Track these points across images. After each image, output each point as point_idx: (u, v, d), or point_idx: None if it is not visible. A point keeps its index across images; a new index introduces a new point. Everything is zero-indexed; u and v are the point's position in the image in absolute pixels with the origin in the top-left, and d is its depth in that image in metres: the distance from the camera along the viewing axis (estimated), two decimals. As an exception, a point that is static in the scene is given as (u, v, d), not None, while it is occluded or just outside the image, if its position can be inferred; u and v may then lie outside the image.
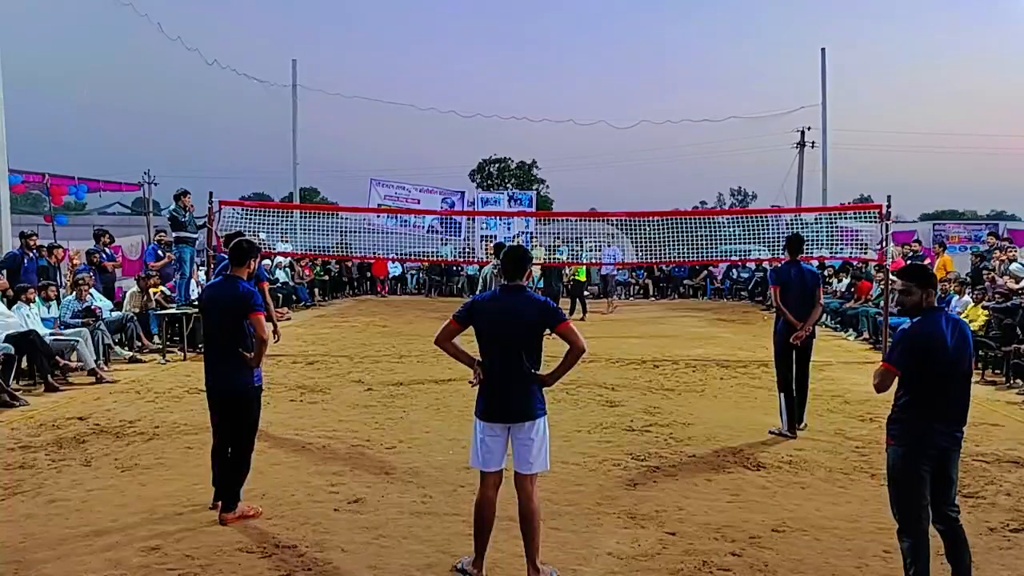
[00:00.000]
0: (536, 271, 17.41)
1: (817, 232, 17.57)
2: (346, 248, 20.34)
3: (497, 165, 55.00)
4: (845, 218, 16.79)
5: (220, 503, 4.86)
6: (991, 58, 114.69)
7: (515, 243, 18.57)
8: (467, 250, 23.31)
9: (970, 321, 10.63)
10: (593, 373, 10.06)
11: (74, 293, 10.83)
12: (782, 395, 7.05)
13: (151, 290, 12.43)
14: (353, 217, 21.56)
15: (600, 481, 5.67)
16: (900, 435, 3.74)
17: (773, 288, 7.25)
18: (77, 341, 9.57)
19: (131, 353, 11.12)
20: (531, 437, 3.97)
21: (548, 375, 4.03)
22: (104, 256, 12.87)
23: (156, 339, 11.79)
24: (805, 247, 8.01)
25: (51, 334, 9.65)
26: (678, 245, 16.04)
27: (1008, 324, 9.84)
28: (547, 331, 3.99)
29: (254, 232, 13.25)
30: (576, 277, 17.34)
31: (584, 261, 18.84)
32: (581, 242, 21.37)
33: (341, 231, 20.74)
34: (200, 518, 4.86)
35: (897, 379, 3.74)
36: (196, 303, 10.94)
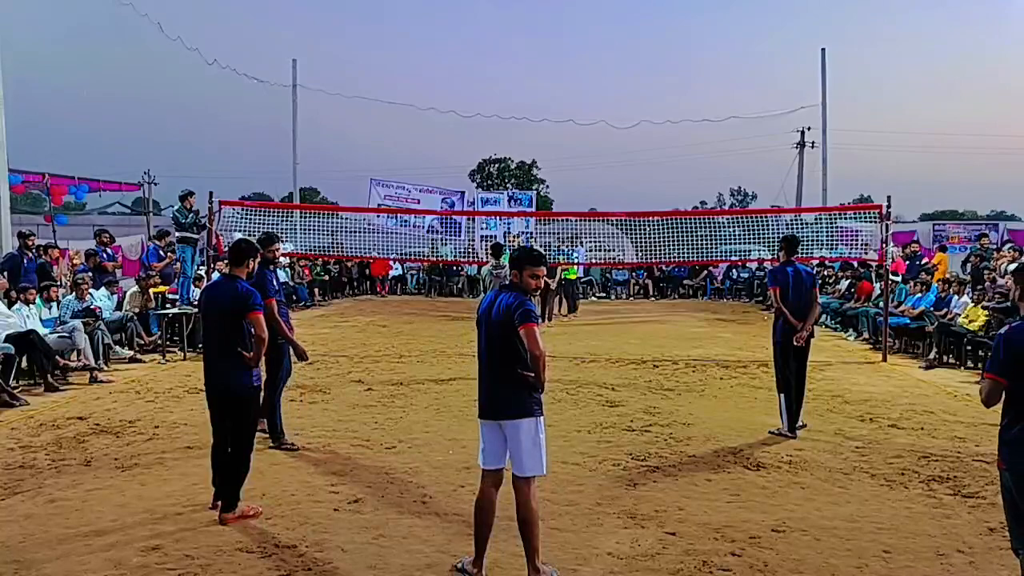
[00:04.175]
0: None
1: (817, 232, 17.59)
2: (346, 248, 20.36)
3: (497, 165, 55.00)
4: (845, 218, 16.80)
5: (220, 503, 4.86)
6: (991, 57, 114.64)
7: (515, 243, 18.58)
8: (467, 250, 23.31)
9: (970, 321, 10.64)
10: (593, 373, 10.06)
11: (74, 293, 10.83)
12: (782, 395, 7.05)
13: (152, 290, 12.42)
14: (353, 217, 21.57)
15: (600, 481, 5.66)
16: (1008, 458, 3.45)
17: (772, 289, 7.27)
18: (75, 330, 9.56)
19: (131, 353, 11.12)
20: (518, 437, 3.96)
21: (532, 378, 3.95)
22: (104, 256, 12.88)
23: (157, 339, 11.77)
24: (803, 247, 8.07)
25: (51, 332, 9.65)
26: (678, 245, 16.05)
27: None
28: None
29: (252, 233, 13.25)
30: (566, 276, 17.26)
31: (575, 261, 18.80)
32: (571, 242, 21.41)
33: (341, 231, 20.77)
34: (200, 518, 4.86)
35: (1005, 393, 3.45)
36: (196, 303, 10.96)
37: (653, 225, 16.73)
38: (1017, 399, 3.41)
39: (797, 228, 16.77)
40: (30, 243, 11.68)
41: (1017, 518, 3.49)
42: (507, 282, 4.16)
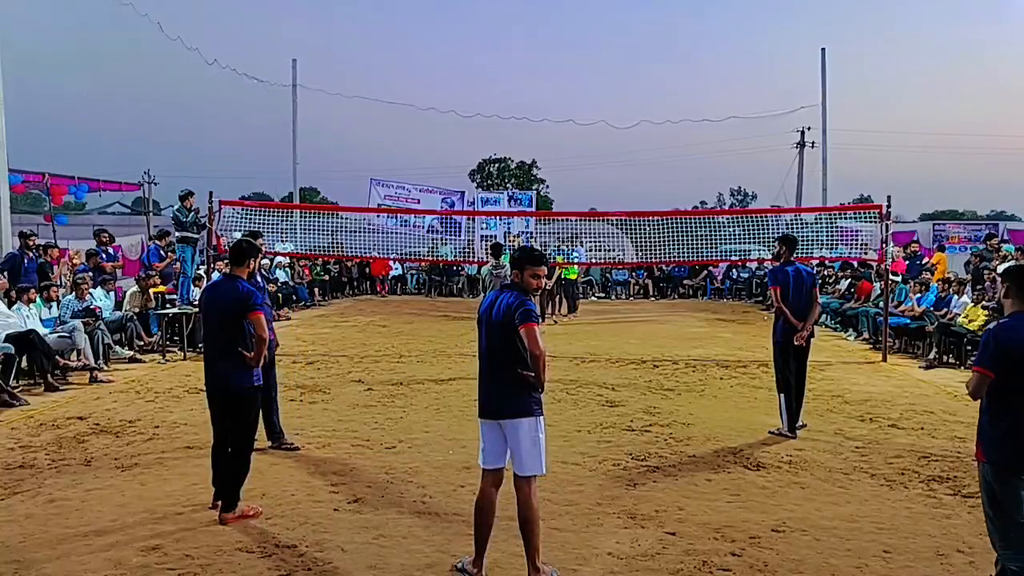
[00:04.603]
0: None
1: (817, 232, 17.60)
2: (346, 248, 20.35)
3: (497, 165, 54.91)
4: (845, 218, 16.81)
5: (220, 503, 4.86)
6: (991, 57, 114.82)
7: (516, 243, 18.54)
8: (467, 250, 23.31)
9: (969, 321, 10.64)
10: (593, 373, 10.06)
11: (74, 293, 10.83)
12: (782, 395, 7.05)
13: (152, 290, 12.42)
14: (353, 217, 21.59)
15: (600, 481, 5.67)
16: (988, 451, 3.59)
17: (772, 289, 7.27)
18: (75, 330, 9.56)
19: (131, 353, 11.12)
20: (518, 436, 3.96)
21: (532, 378, 3.95)
22: (105, 256, 12.87)
23: (156, 337, 11.77)
24: (804, 247, 8.07)
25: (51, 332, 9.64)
26: (678, 245, 16.05)
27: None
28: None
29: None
30: (566, 275, 17.20)
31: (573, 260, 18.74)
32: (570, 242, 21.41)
33: (341, 231, 20.77)
34: (200, 518, 4.86)
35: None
36: (196, 303, 10.96)
37: (653, 225, 16.73)
38: (1001, 394, 3.57)
39: (797, 228, 16.77)
40: (31, 243, 11.69)
41: (996, 509, 3.58)
42: (508, 281, 4.17)
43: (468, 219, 23.54)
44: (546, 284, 15.08)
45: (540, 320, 4.13)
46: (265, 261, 16.50)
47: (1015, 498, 3.52)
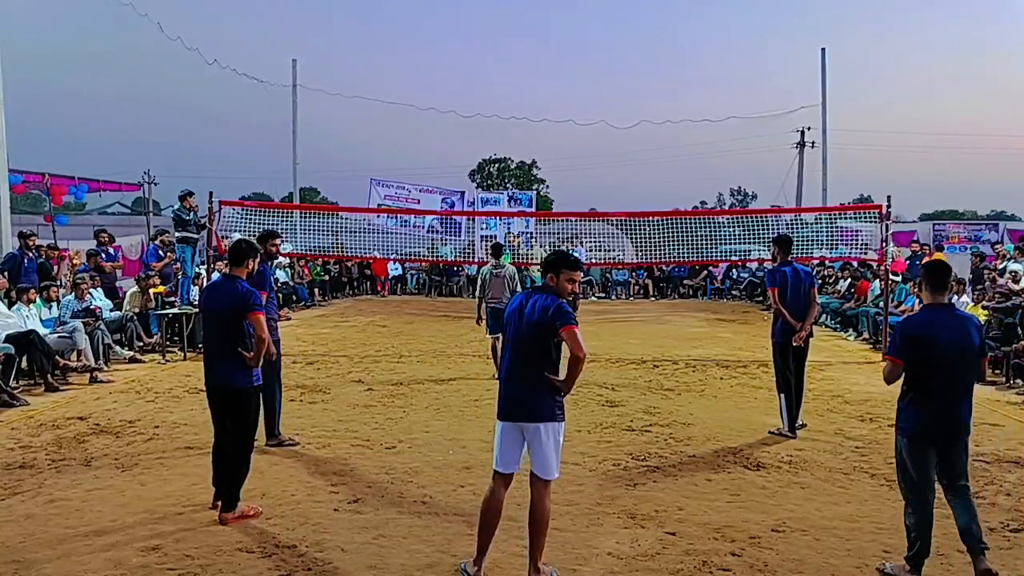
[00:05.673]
0: (535, 271, 17.36)
1: (817, 232, 17.61)
2: (346, 248, 20.36)
3: (497, 165, 54.85)
4: (845, 218, 16.82)
5: (220, 503, 4.86)
6: (991, 57, 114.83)
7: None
8: (467, 250, 23.30)
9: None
10: (593, 373, 10.05)
11: (74, 293, 10.83)
12: (782, 395, 7.04)
13: (152, 290, 12.41)
14: (353, 217, 21.59)
15: (600, 481, 5.67)
16: (903, 425, 4.23)
17: (771, 290, 7.27)
18: (75, 330, 9.56)
19: (131, 353, 11.11)
20: (540, 440, 3.92)
21: (562, 381, 3.95)
22: (105, 256, 12.86)
23: (156, 338, 11.76)
24: (804, 248, 8.02)
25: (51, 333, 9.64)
26: (678, 245, 16.07)
27: (1009, 323, 9.84)
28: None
29: (252, 233, 13.23)
30: None
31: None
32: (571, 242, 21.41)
33: (342, 231, 20.78)
34: (200, 518, 4.86)
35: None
36: (196, 303, 10.96)
37: (653, 225, 16.75)
38: (910, 378, 4.20)
39: (797, 228, 16.79)
40: (31, 243, 11.68)
41: (903, 472, 4.23)
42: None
43: (468, 219, 23.50)
44: None
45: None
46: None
47: (918, 464, 4.14)
